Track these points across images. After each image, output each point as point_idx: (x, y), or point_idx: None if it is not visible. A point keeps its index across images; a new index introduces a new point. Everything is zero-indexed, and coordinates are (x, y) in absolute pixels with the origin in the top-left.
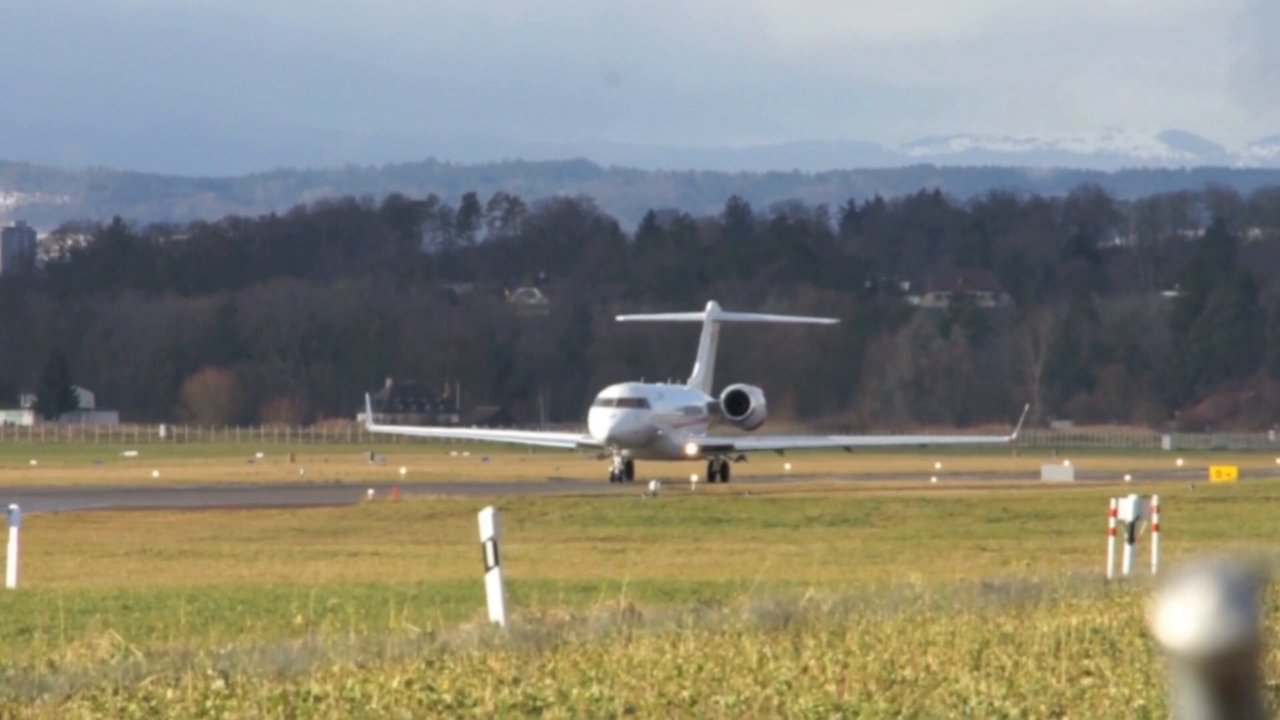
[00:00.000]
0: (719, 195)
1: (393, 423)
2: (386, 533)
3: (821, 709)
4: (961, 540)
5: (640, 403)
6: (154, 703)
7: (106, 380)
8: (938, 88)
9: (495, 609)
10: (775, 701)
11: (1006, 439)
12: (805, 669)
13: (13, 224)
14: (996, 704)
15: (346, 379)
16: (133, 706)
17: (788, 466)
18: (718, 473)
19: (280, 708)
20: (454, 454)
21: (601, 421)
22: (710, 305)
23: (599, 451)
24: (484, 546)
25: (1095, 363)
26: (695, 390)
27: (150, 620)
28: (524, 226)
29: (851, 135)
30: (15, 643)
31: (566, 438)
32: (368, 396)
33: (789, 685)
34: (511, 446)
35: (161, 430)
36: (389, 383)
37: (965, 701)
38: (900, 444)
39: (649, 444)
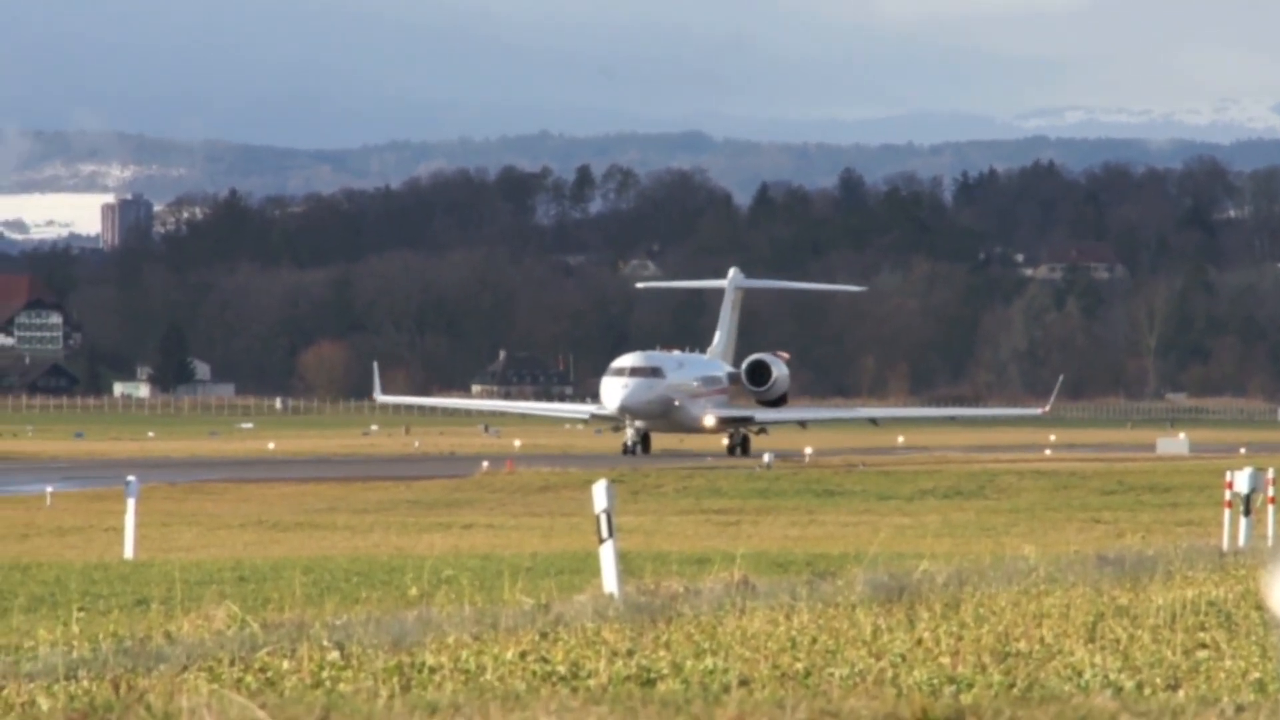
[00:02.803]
0: (832, 167)
1: (506, 396)
2: (501, 505)
3: (936, 681)
4: (1076, 513)
5: (655, 372)
6: (270, 674)
7: (222, 352)
8: (1052, 58)
9: (609, 581)
10: (890, 674)
11: (1040, 411)
12: (920, 641)
13: (129, 196)
14: (1111, 676)
15: (461, 351)
16: (249, 677)
17: (900, 439)
18: (738, 446)
19: (395, 679)
20: (567, 426)
21: (614, 391)
22: (732, 272)
23: (614, 423)
24: (598, 518)
25: (1210, 335)
26: (715, 360)
27: (266, 591)
28: (638, 199)
29: (965, 107)
30: (133, 614)
31: (579, 409)
32: (375, 365)
33: (903, 658)
34: (524, 418)
35: (278, 402)
36: (502, 355)
37: (1080, 674)
38: (929, 416)
39: (665, 415)
